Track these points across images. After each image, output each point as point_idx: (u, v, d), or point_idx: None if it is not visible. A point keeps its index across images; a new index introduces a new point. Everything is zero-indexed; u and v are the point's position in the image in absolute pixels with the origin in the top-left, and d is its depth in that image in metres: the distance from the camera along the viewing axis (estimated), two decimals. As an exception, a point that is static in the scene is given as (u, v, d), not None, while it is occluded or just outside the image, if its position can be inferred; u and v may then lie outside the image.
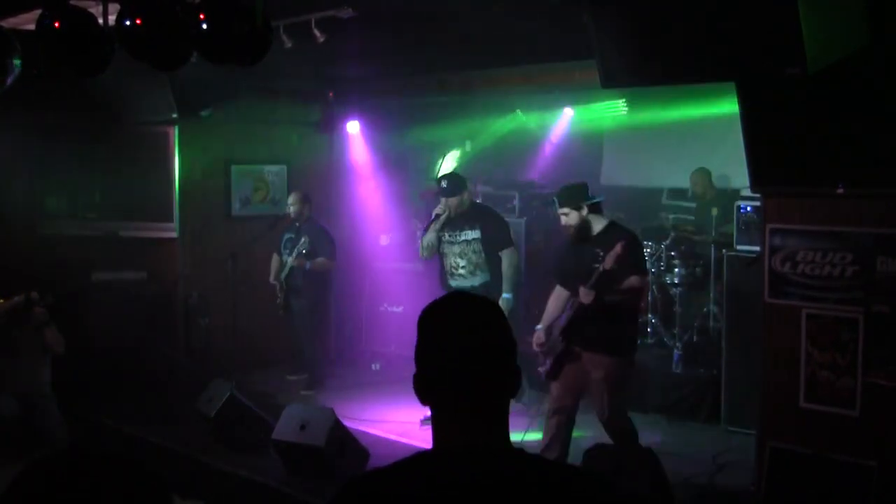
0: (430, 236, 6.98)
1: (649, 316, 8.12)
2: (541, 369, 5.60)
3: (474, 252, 6.90)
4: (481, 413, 1.73)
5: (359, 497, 1.72)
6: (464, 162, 10.08)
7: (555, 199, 5.67)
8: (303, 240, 7.87)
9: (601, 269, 5.23)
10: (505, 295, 6.74)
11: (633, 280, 5.32)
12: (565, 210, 5.49)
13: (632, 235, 5.51)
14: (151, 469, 1.42)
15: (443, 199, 6.92)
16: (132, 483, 1.38)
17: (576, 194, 5.53)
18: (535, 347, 5.63)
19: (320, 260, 8.03)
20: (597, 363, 5.35)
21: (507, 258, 6.86)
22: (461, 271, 6.93)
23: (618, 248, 5.16)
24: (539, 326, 5.67)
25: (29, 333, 6.66)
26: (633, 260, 5.32)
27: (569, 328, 5.43)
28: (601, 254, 5.30)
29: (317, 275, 8.10)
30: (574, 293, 5.45)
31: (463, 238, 6.92)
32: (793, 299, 5.00)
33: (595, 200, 5.55)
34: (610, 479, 1.76)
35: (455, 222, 6.93)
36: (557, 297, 5.74)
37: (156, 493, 1.41)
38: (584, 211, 5.46)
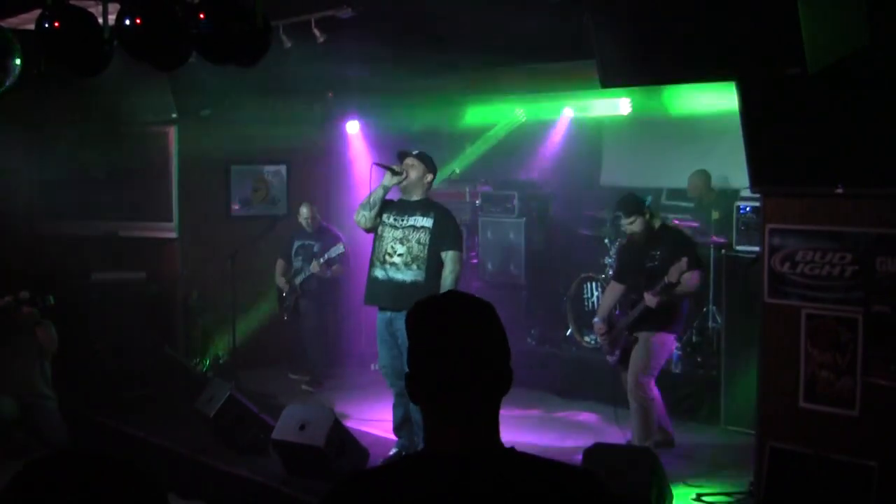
0: (371, 200, 6.04)
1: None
2: (610, 359, 6.44)
3: (418, 242, 5.94)
4: (474, 414, 1.73)
5: (351, 498, 1.73)
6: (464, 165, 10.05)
7: (620, 212, 6.27)
8: (338, 246, 7.94)
9: (666, 281, 5.95)
10: None
11: (691, 283, 6.05)
12: (632, 219, 6.18)
13: (680, 235, 6.35)
14: (147, 470, 1.42)
15: (406, 161, 6.05)
16: (126, 484, 1.38)
17: (638, 203, 6.24)
18: (598, 337, 6.61)
19: (336, 267, 8.08)
20: (645, 336, 6.16)
21: (450, 262, 5.92)
22: (395, 259, 5.95)
23: (683, 263, 5.86)
24: (597, 318, 6.53)
25: (24, 334, 6.66)
26: (690, 261, 6.00)
27: (635, 324, 6.19)
28: (656, 254, 6.13)
29: (332, 280, 8.13)
30: (631, 289, 6.31)
31: (410, 223, 5.99)
32: (792, 299, 5.00)
33: (649, 203, 6.32)
34: (603, 479, 1.76)
35: (404, 207, 6.07)
36: (612, 291, 6.60)
37: (151, 495, 1.40)
38: (647, 215, 6.21)
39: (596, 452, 4.95)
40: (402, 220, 6.01)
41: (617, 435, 6.40)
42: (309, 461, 5.69)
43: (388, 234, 6.01)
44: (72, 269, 8.03)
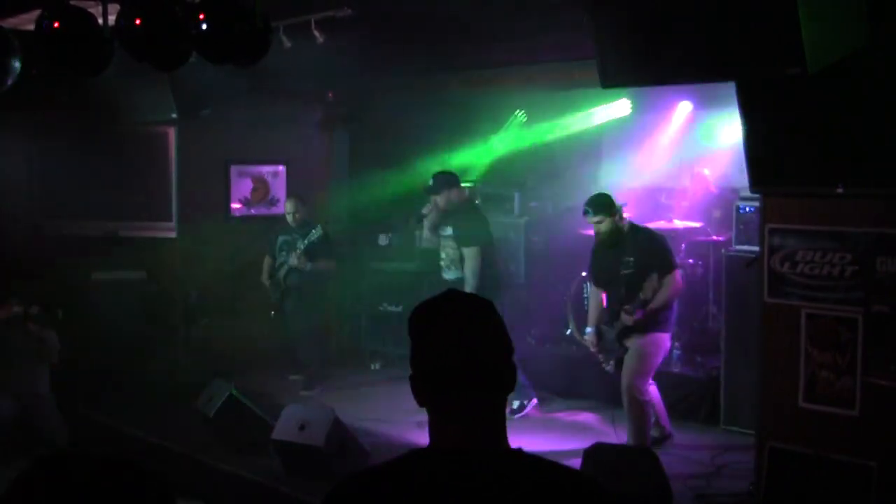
0: (425, 234, 7.42)
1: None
2: (608, 369, 6.27)
3: (452, 248, 7.16)
4: (477, 412, 1.73)
5: (352, 496, 1.73)
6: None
7: (588, 209, 6.08)
8: (315, 230, 7.87)
9: (641, 297, 5.84)
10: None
11: (673, 289, 5.93)
12: (599, 218, 6.03)
13: (653, 237, 6.16)
14: (157, 471, 1.42)
15: (431, 196, 7.15)
16: (138, 485, 1.38)
17: (609, 202, 6.07)
18: (591, 349, 6.35)
19: (322, 262, 8.04)
20: (638, 340, 6.04)
21: (467, 258, 6.99)
22: (442, 263, 7.29)
23: (654, 279, 5.82)
24: (589, 329, 6.35)
25: (27, 335, 6.67)
26: (657, 261, 5.92)
27: (624, 334, 6.05)
28: (630, 260, 5.95)
29: (315, 276, 8.10)
30: (612, 299, 6.12)
31: (445, 234, 7.22)
32: (792, 299, 5.00)
33: (622, 206, 6.16)
34: (603, 484, 1.76)
35: (444, 220, 7.20)
36: (594, 296, 6.45)
37: (161, 496, 1.40)
38: (616, 217, 6.05)
39: (596, 452, 4.94)
40: (443, 232, 7.23)
41: (616, 434, 6.40)
42: (309, 461, 5.69)
43: (440, 244, 7.31)
44: (72, 269, 8.03)
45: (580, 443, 5.64)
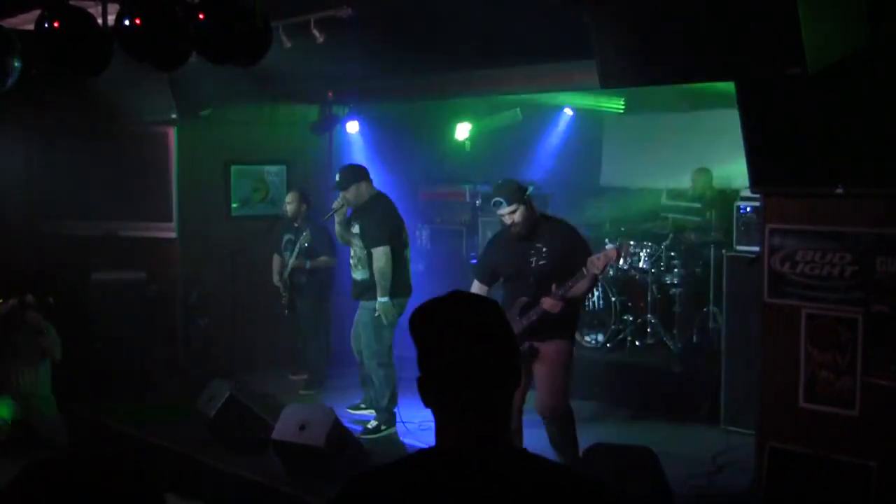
0: (337, 229, 7.03)
1: (649, 316, 8.13)
2: None
3: (359, 247, 6.80)
4: (483, 413, 1.74)
5: (359, 495, 1.73)
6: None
7: (501, 199, 5.42)
8: (304, 234, 7.91)
9: (586, 272, 5.21)
10: (380, 299, 6.54)
11: (584, 283, 5.33)
12: (513, 207, 5.39)
13: (566, 225, 5.62)
14: (143, 469, 1.42)
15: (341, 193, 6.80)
16: (123, 484, 1.38)
17: (519, 188, 5.47)
18: None
19: (322, 258, 8.06)
20: (551, 348, 5.43)
21: (375, 258, 6.58)
22: (352, 262, 6.95)
23: (611, 252, 5.26)
24: None
25: (27, 335, 6.67)
26: (579, 249, 5.39)
27: (530, 331, 5.36)
28: (543, 249, 5.38)
29: (319, 273, 8.12)
30: (516, 292, 5.47)
31: (353, 232, 6.86)
32: (792, 299, 5.00)
33: (530, 192, 5.57)
34: (608, 484, 1.76)
35: (353, 215, 6.88)
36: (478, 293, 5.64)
37: (148, 494, 1.41)
38: (528, 205, 5.44)
39: (595, 452, 4.94)
40: (351, 230, 6.90)
41: (616, 434, 6.40)
42: (309, 461, 5.69)
43: (351, 243, 6.95)
44: (72, 269, 8.04)
45: (580, 443, 5.63)
